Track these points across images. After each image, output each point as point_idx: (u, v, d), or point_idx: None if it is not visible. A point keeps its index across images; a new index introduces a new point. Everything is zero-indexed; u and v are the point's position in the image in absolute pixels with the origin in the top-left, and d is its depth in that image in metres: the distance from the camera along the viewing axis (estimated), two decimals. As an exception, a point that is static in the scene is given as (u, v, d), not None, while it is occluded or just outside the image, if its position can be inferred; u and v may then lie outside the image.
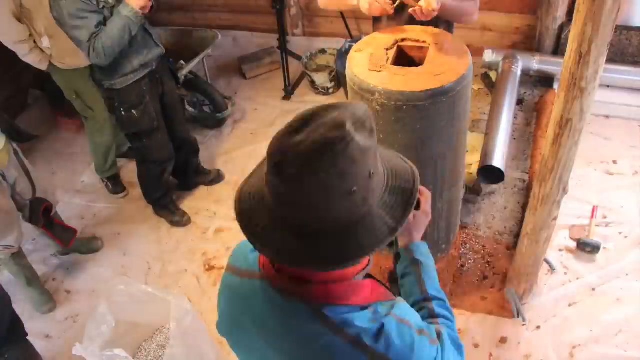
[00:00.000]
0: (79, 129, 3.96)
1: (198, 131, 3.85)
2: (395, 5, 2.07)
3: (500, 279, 2.65)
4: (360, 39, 2.14)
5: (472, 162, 3.17)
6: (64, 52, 2.88)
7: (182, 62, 3.54)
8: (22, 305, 2.85)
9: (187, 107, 3.70)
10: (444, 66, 1.85)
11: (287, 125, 0.84)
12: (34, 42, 2.86)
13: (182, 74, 3.49)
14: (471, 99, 2.03)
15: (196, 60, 3.60)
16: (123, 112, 2.74)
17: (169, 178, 3.17)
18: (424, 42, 2.00)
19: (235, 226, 3.36)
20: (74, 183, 3.61)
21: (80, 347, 2.11)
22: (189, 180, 3.42)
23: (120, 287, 2.28)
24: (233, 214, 3.33)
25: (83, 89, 3.03)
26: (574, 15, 1.51)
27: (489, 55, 3.80)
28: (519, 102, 3.67)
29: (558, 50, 3.78)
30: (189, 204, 3.35)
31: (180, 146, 3.15)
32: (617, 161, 3.22)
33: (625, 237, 2.80)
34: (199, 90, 3.75)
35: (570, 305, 2.55)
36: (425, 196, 1.25)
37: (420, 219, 1.24)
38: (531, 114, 3.63)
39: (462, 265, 2.74)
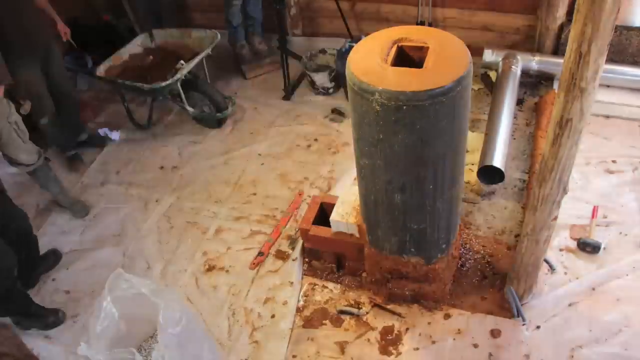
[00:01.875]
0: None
1: (198, 130, 3.86)
2: None
3: (500, 279, 2.65)
4: (360, 39, 2.14)
5: (473, 162, 3.18)
6: None
7: (182, 62, 3.55)
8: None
9: (187, 107, 3.71)
10: (444, 66, 1.85)
11: None
12: None
13: (182, 74, 3.50)
14: (471, 99, 2.03)
15: (196, 61, 3.61)
16: None
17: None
18: (424, 42, 2.00)
19: (235, 226, 3.36)
20: (75, 183, 3.61)
21: (85, 347, 2.09)
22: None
23: (121, 280, 2.24)
24: (233, 214, 3.34)
25: None
26: (574, 15, 1.51)
27: (489, 55, 3.80)
28: (519, 102, 3.67)
29: (558, 50, 3.78)
30: (190, 204, 3.35)
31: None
32: (617, 161, 3.22)
33: (626, 236, 2.80)
34: (199, 90, 3.75)
35: (570, 305, 2.55)
36: None
37: None
38: (531, 114, 3.63)
39: (462, 265, 2.74)
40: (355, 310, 2.64)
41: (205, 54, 3.68)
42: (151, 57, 3.89)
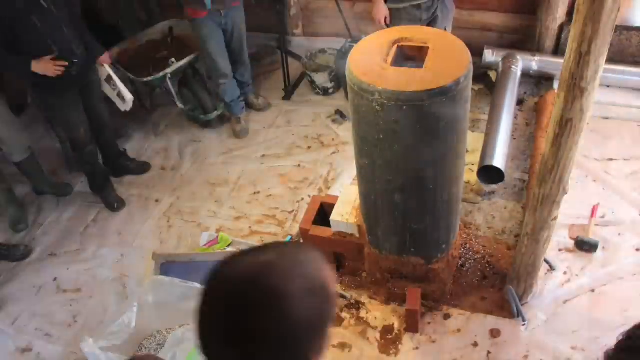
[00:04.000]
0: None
1: (198, 130, 3.86)
2: None
3: (500, 279, 2.65)
4: (360, 39, 2.15)
5: (473, 162, 3.17)
6: None
7: (172, 59, 3.56)
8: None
9: (178, 103, 3.75)
10: (444, 66, 1.85)
11: None
12: None
13: (167, 72, 3.54)
14: (471, 99, 2.03)
15: (185, 61, 3.60)
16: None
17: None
18: (424, 42, 2.00)
19: (235, 226, 3.35)
20: (75, 183, 3.61)
21: (90, 343, 2.13)
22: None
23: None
24: (233, 214, 3.32)
25: None
26: (574, 15, 1.51)
27: (489, 55, 3.80)
28: (519, 102, 3.67)
29: (558, 50, 3.78)
30: (189, 204, 3.35)
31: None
32: (616, 161, 3.22)
33: (625, 237, 2.80)
34: (189, 88, 3.79)
35: (569, 305, 2.55)
36: None
37: None
38: (531, 114, 3.63)
39: (462, 265, 2.74)
40: (347, 295, 2.65)
41: (194, 56, 3.65)
42: (165, 51, 3.86)
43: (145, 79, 3.60)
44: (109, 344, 2.23)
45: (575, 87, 1.64)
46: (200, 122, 3.87)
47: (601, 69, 1.60)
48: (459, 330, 2.50)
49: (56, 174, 3.67)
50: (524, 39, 3.93)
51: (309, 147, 3.64)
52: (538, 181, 2.00)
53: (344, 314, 2.64)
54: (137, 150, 3.80)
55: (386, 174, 2.06)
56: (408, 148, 1.93)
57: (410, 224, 2.23)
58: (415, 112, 1.81)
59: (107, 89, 3.27)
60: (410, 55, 2.04)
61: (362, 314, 2.63)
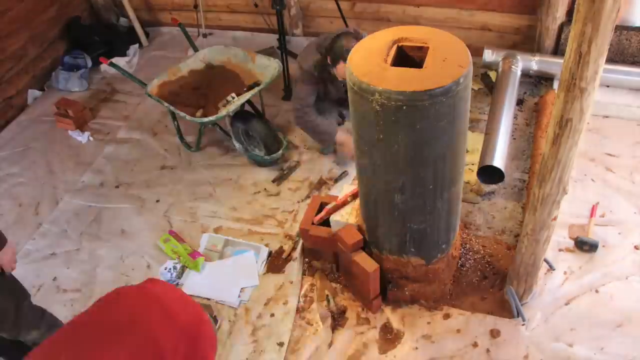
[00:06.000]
0: (78, 127, 3.98)
1: (198, 131, 3.86)
2: None
3: (500, 279, 2.65)
4: (362, 37, 2.15)
5: (473, 162, 3.18)
6: None
7: (233, 95, 3.31)
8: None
9: (235, 143, 3.41)
10: (444, 66, 1.85)
11: None
12: None
13: (229, 110, 3.21)
14: (471, 99, 2.04)
15: (248, 96, 3.26)
16: None
17: None
18: (424, 42, 2.00)
19: (235, 226, 3.34)
20: (74, 183, 3.61)
21: None
22: None
23: None
24: (233, 214, 3.32)
25: None
26: (574, 15, 1.51)
27: (489, 55, 3.80)
28: (519, 102, 3.67)
29: (558, 50, 3.79)
30: (189, 203, 3.35)
31: None
32: (616, 160, 3.22)
33: (624, 236, 2.80)
34: (251, 127, 3.39)
35: (569, 304, 2.55)
36: None
37: None
38: (531, 114, 3.63)
39: (462, 265, 2.74)
40: None
41: (260, 88, 3.29)
42: (212, 84, 3.54)
43: (206, 120, 3.19)
44: None
45: (575, 87, 1.64)
46: (265, 163, 3.47)
47: (601, 69, 1.60)
48: (458, 331, 2.50)
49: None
50: (524, 39, 3.94)
51: (309, 148, 3.63)
52: (538, 181, 2.00)
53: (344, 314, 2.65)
54: (137, 151, 3.80)
55: (386, 174, 2.06)
56: (408, 148, 1.93)
57: (410, 224, 2.23)
58: (415, 112, 1.81)
59: None
60: (410, 55, 2.04)
61: (362, 313, 2.64)
